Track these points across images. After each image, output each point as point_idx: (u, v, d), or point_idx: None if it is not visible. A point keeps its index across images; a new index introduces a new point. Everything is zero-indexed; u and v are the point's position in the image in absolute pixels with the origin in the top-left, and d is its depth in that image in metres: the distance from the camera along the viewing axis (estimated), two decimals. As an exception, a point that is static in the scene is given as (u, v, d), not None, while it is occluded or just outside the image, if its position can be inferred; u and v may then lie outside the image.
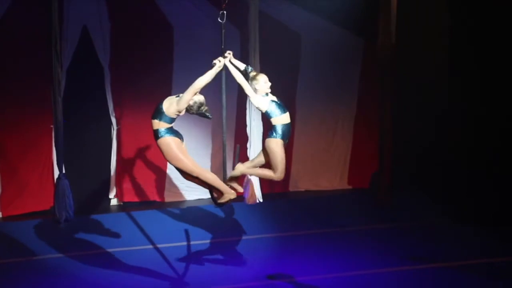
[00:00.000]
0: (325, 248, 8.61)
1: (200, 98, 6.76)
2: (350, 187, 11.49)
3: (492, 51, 9.91)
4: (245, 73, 7.00)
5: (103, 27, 10.14)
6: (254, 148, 9.98)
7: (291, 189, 11.31)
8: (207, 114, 6.80)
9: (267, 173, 7.12)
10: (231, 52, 7.03)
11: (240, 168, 7.25)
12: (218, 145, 10.80)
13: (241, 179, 7.55)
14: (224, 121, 7.26)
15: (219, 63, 6.81)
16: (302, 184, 11.36)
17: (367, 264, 7.96)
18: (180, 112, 6.72)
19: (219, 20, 7.07)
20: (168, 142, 6.70)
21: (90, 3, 10.04)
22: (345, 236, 9.11)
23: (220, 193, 7.05)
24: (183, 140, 6.89)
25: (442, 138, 10.63)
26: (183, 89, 10.17)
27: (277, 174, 7.03)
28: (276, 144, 6.96)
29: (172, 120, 6.77)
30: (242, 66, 7.09)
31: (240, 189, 7.34)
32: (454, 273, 7.63)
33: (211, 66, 6.78)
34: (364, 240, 8.88)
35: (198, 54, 10.16)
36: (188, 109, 6.75)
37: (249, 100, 9.77)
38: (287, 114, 7.03)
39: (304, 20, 10.86)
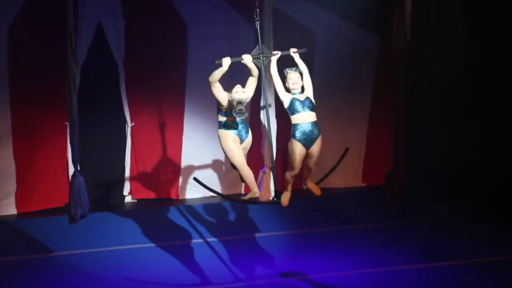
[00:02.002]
0: (339, 245, 8.62)
1: (237, 96, 6.75)
2: (364, 185, 11.46)
3: (505, 51, 9.87)
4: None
5: (117, 24, 10.15)
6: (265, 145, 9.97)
7: (305, 187, 11.25)
8: (238, 114, 6.74)
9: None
10: (293, 51, 7.22)
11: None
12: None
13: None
14: (265, 119, 7.23)
15: (243, 61, 6.88)
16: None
17: (380, 261, 7.96)
18: (222, 105, 6.84)
19: (254, 17, 7.05)
20: (222, 134, 6.95)
21: (104, 0, 10.07)
22: (358, 234, 9.10)
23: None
24: (245, 136, 6.97)
25: (455, 137, 10.58)
26: (197, 85, 10.34)
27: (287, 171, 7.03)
28: (290, 144, 6.83)
29: (228, 114, 6.86)
30: (302, 65, 7.11)
31: (318, 192, 7.47)
32: (468, 270, 7.62)
33: (216, 65, 6.81)
34: (377, 237, 8.88)
35: (212, 50, 10.15)
36: (230, 105, 6.80)
37: (263, 98, 9.83)
38: (307, 113, 6.80)
39: (318, 18, 10.80)
